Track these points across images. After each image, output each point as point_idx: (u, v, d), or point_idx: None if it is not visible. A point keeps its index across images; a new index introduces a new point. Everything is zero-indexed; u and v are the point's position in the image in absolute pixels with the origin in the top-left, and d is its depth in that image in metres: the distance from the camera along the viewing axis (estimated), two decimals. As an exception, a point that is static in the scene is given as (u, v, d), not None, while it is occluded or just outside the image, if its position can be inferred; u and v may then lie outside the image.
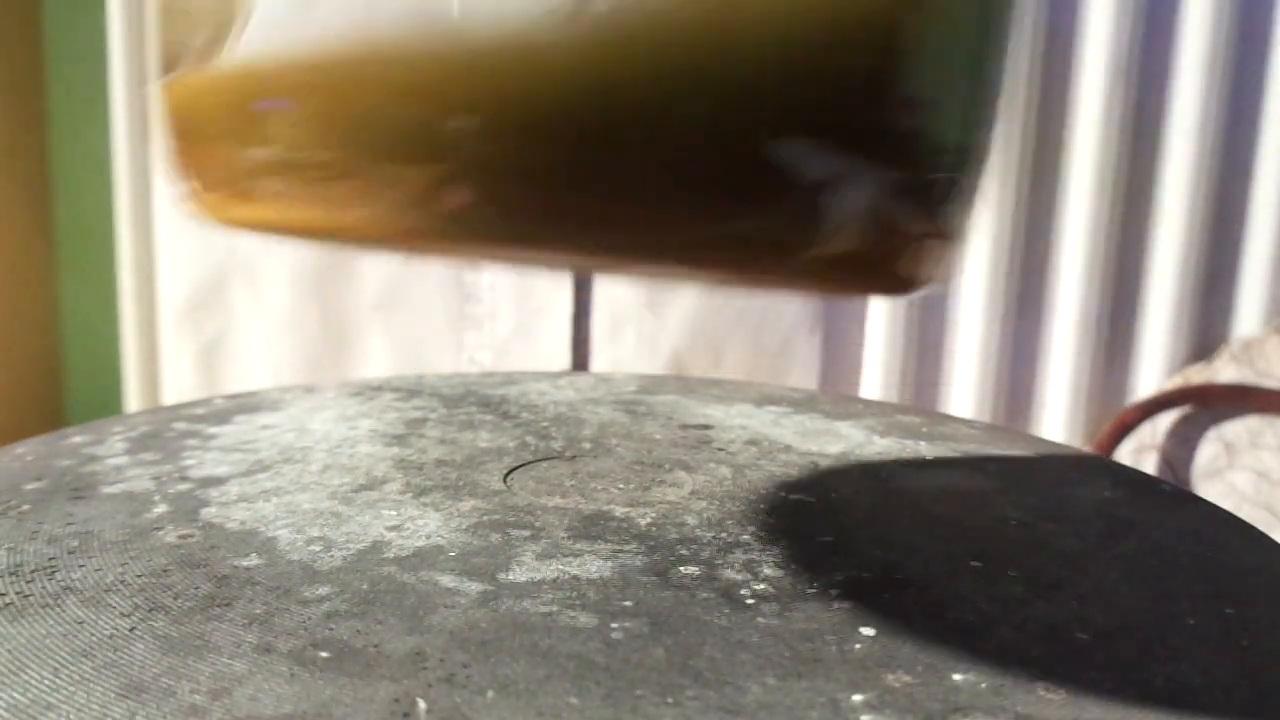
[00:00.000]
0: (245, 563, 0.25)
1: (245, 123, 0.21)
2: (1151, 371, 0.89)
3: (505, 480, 0.32)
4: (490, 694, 0.19)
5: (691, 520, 0.29)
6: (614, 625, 0.22)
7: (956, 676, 0.21)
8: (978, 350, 0.89)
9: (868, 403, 0.45)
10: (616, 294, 0.86)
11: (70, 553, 0.25)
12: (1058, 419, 0.89)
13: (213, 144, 0.22)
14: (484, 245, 0.22)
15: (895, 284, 0.23)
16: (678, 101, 0.19)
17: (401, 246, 0.23)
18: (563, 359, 0.87)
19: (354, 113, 0.20)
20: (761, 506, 0.31)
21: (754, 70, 0.19)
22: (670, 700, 0.19)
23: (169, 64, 0.24)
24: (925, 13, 0.20)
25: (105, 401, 1.11)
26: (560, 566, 0.25)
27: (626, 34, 0.19)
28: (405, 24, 0.19)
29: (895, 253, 0.22)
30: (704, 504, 0.31)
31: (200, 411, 0.40)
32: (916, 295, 0.23)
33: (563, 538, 0.27)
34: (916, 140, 0.21)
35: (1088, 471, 0.36)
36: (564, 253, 0.22)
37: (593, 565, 0.26)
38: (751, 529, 0.29)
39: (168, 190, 1.00)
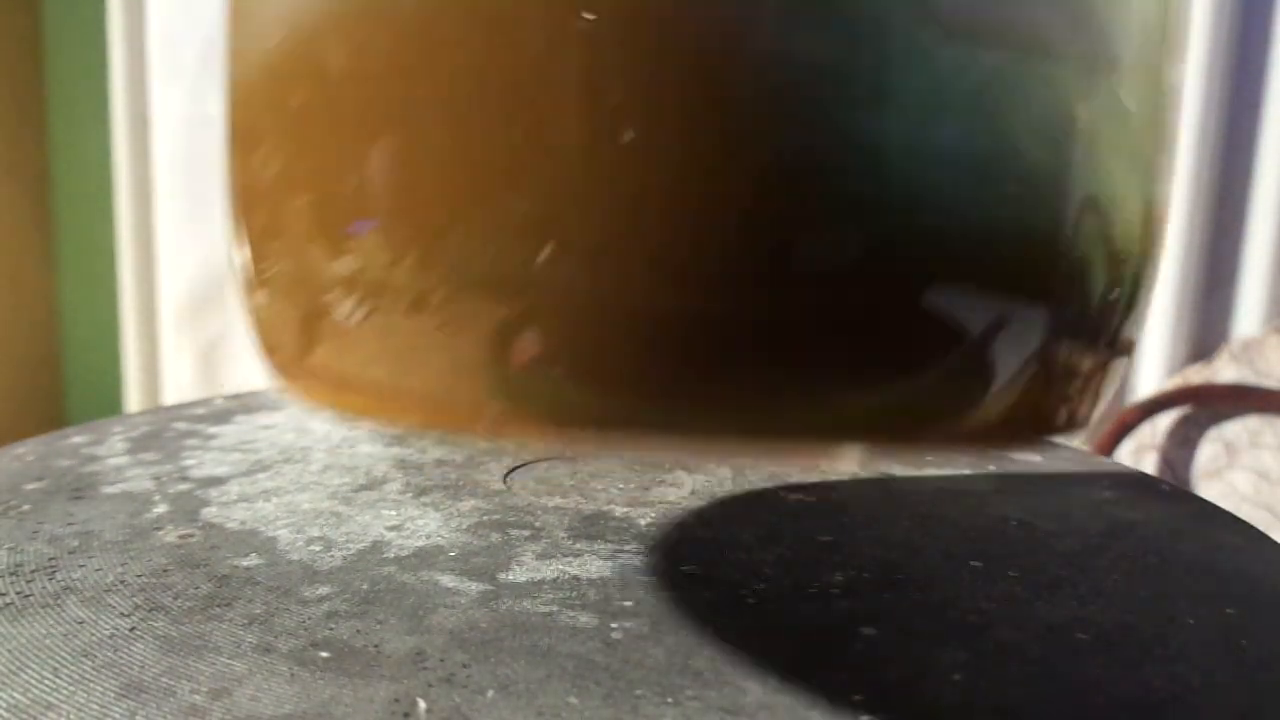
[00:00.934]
0: (245, 563, 0.25)
1: (332, 235, 0.18)
2: (1151, 371, 0.89)
3: (505, 480, 0.32)
4: (490, 694, 0.19)
5: (691, 520, 0.29)
6: (614, 625, 0.22)
7: (956, 677, 0.21)
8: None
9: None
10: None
11: (70, 553, 0.25)
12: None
13: (293, 246, 0.19)
14: (561, 428, 0.18)
15: (1069, 426, 0.19)
16: (801, 232, 0.16)
17: (471, 425, 0.19)
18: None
19: (440, 239, 0.17)
20: (761, 506, 0.31)
21: (903, 197, 0.15)
22: (670, 700, 0.19)
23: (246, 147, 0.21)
24: (1104, 103, 0.17)
25: (105, 401, 1.11)
26: (560, 566, 0.25)
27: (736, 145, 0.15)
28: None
29: (1071, 395, 0.18)
30: (704, 504, 0.31)
31: (200, 411, 0.40)
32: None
33: (563, 538, 0.27)
34: (1095, 260, 0.17)
35: (1088, 471, 0.36)
36: (660, 436, 0.18)
37: (593, 565, 0.26)
38: (751, 529, 0.29)
39: (167, 190, 1.00)
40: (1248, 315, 0.89)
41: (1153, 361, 0.89)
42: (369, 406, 0.20)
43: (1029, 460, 0.37)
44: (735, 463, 0.35)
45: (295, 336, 0.20)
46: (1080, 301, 0.18)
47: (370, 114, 0.18)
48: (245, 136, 0.20)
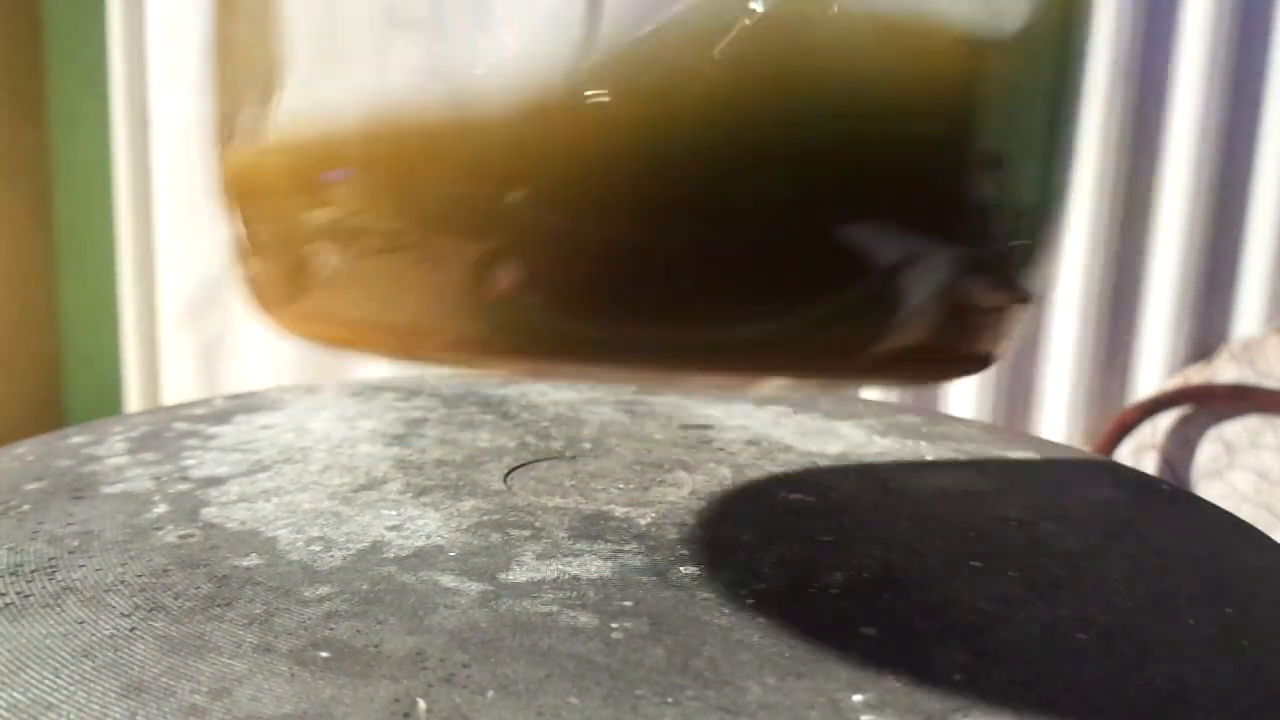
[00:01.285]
0: (245, 563, 0.25)
1: (306, 188, 0.20)
2: (1151, 372, 0.89)
3: (505, 480, 0.32)
4: (490, 694, 0.19)
5: (691, 520, 0.29)
6: (614, 625, 0.22)
7: (956, 676, 0.21)
8: (978, 350, 0.89)
9: (868, 403, 0.45)
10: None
11: (70, 553, 0.25)
12: (1058, 419, 0.89)
13: (273, 207, 0.21)
14: (533, 355, 0.20)
15: (972, 364, 0.21)
16: (734, 176, 0.18)
17: (453, 355, 0.21)
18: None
19: (410, 184, 0.19)
20: (761, 506, 0.31)
21: (819, 140, 0.18)
22: (670, 700, 0.19)
23: (225, 136, 0.23)
24: (1000, 67, 0.19)
25: (105, 401, 1.11)
26: (560, 566, 0.25)
27: (678, 102, 0.17)
28: (441, 92, 0.18)
29: (973, 332, 0.21)
30: (704, 504, 0.31)
31: (200, 411, 0.40)
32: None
33: (563, 538, 0.27)
34: (995, 209, 0.19)
35: (1088, 471, 0.36)
36: (616, 361, 0.20)
37: (593, 565, 0.26)
38: (751, 529, 0.29)
39: (167, 190, 1.00)
40: (1248, 315, 0.89)
41: (1153, 361, 0.89)
42: (349, 339, 0.21)
43: (1029, 460, 0.37)
44: (733, 463, 0.35)
45: (285, 289, 0.21)
46: (979, 246, 0.20)
47: (339, 68, 0.19)
48: (226, 110, 0.22)
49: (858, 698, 0.20)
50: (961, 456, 0.37)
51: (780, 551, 0.27)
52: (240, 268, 0.23)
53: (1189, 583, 0.26)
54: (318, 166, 0.19)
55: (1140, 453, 0.88)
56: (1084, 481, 0.35)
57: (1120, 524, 0.30)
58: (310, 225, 0.20)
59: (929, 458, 0.36)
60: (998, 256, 0.20)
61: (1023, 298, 0.21)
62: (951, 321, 0.20)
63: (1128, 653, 0.22)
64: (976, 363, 0.21)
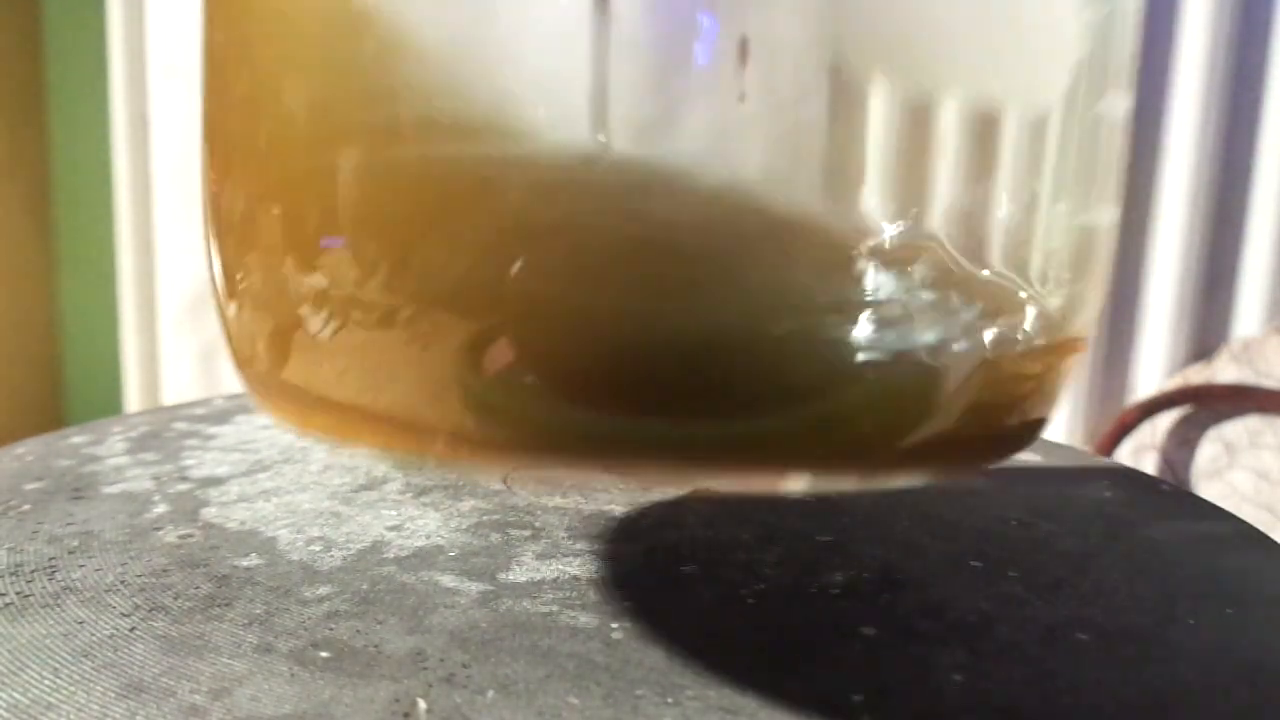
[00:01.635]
0: (245, 563, 0.25)
1: (301, 250, 0.18)
2: (1151, 372, 0.89)
3: (505, 480, 0.32)
4: (490, 694, 0.19)
5: (691, 520, 0.29)
6: (614, 625, 0.22)
7: (956, 676, 0.21)
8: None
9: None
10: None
11: (70, 553, 0.25)
12: (1058, 419, 0.89)
13: (263, 259, 0.19)
14: (528, 449, 0.18)
15: (1024, 435, 0.19)
16: (720, 261, 0.16)
17: (443, 450, 0.18)
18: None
19: (408, 256, 0.17)
20: (762, 506, 0.31)
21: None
22: (670, 700, 0.19)
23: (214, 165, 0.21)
24: (1029, 140, 0.18)
25: (105, 401, 1.11)
26: (560, 566, 0.25)
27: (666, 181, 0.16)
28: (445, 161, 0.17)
29: (1019, 401, 0.18)
30: (704, 504, 0.31)
31: (200, 411, 0.40)
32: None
33: (563, 538, 0.27)
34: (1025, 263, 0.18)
35: (1088, 471, 0.36)
36: (618, 459, 0.18)
37: (593, 565, 0.26)
38: (751, 529, 0.29)
39: (167, 190, 1.00)
40: (1248, 315, 0.89)
41: (1153, 361, 0.89)
42: (333, 426, 0.19)
43: (1029, 460, 0.37)
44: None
45: (267, 349, 0.19)
46: (1018, 315, 0.18)
47: (335, 136, 0.18)
48: (217, 152, 0.20)
49: (858, 698, 0.20)
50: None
51: (780, 551, 0.27)
52: (220, 312, 0.21)
53: (1189, 583, 0.26)
54: (316, 230, 0.18)
55: (1140, 453, 0.88)
56: (1084, 481, 0.35)
57: (1120, 524, 0.30)
58: (302, 288, 0.18)
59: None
60: (1038, 322, 0.18)
61: (1072, 348, 0.19)
62: (992, 395, 0.18)
63: (1128, 653, 0.22)
64: (1029, 432, 0.19)
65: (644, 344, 0.17)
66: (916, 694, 0.20)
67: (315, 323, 0.18)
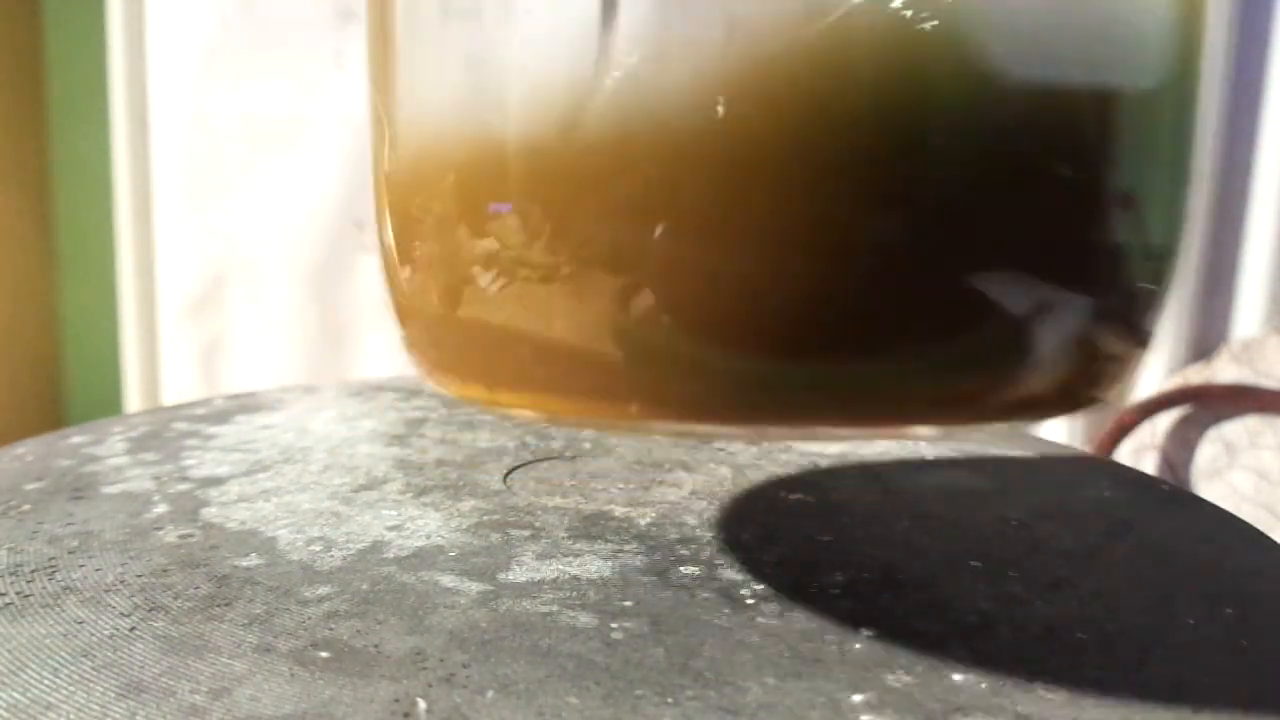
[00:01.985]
0: (245, 563, 0.25)
1: (472, 217, 0.20)
2: (1151, 372, 0.89)
3: (505, 480, 0.32)
4: (490, 694, 0.19)
5: (691, 520, 0.29)
6: (614, 625, 0.22)
7: (956, 676, 0.21)
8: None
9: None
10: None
11: (70, 552, 0.25)
12: (1058, 419, 0.89)
13: (442, 232, 0.21)
14: (672, 403, 0.20)
15: (1088, 404, 0.21)
16: (857, 213, 0.18)
17: (592, 407, 0.20)
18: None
19: (566, 220, 0.19)
20: (761, 506, 0.31)
21: (946, 180, 0.18)
22: (670, 700, 0.19)
23: (383, 137, 0.23)
24: (1135, 106, 0.19)
25: (105, 401, 1.11)
26: (560, 566, 0.25)
27: (806, 130, 0.17)
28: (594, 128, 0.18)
29: (1096, 379, 0.20)
30: (704, 504, 0.31)
31: (200, 411, 0.40)
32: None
33: (563, 538, 0.27)
34: (1126, 253, 0.19)
35: (1088, 471, 0.36)
36: (747, 413, 0.19)
37: (593, 565, 0.26)
38: (751, 529, 0.29)
39: (167, 190, 1.00)
40: (1248, 315, 0.89)
41: (1152, 361, 0.89)
42: (490, 385, 0.22)
43: (1029, 460, 0.37)
44: (733, 463, 0.35)
45: (440, 301, 0.22)
46: (1115, 290, 0.20)
47: (504, 120, 0.20)
48: (389, 134, 0.22)
49: (858, 698, 0.20)
50: (961, 456, 0.37)
51: (780, 551, 0.27)
52: (390, 281, 0.24)
53: (1189, 583, 0.26)
54: (485, 197, 0.20)
55: (1140, 453, 0.88)
56: (1084, 481, 0.35)
57: (1120, 524, 0.30)
58: (476, 252, 0.20)
59: (929, 457, 0.36)
60: (1127, 302, 0.20)
61: (1144, 342, 0.21)
62: (1078, 369, 0.20)
63: (1128, 653, 0.22)
64: (1092, 404, 0.21)
65: (771, 296, 0.18)
66: (917, 694, 0.20)
67: (484, 279, 0.20)
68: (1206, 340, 0.89)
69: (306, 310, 0.98)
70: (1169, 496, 0.33)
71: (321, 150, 0.96)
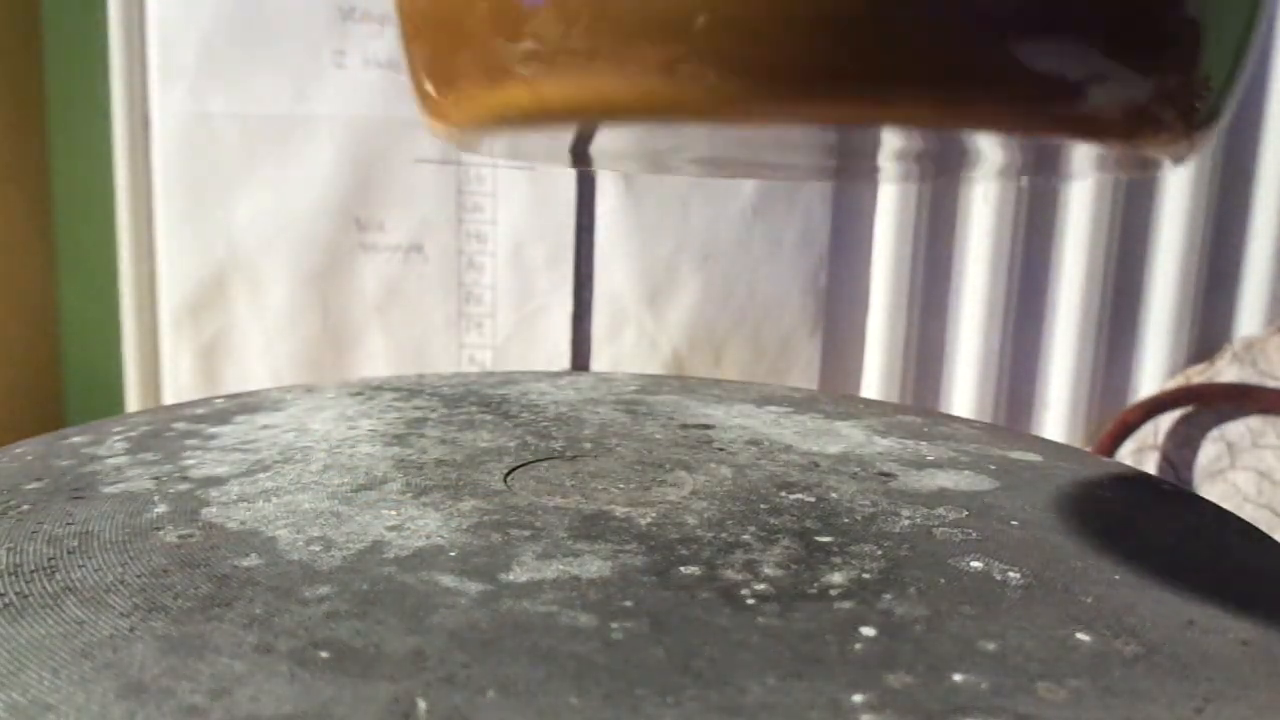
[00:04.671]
0: (245, 563, 0.25)
1: (509, 14, 0.20)
2: (1153, 371, 0.89)
3: (505, 480, 0.32)
4: (490, 694, 0.19)
5: (691, 520, 0.29)
6: (614, 625, 0.22)
7: (956, 676, 0.21)
8: (978, 350, 0.89)
9: (868, 403, 0.45)
10: (616, 294, 0.86)
11: (70, 553, 0.25)
12: (1058, 419, 0.89)
13: (470, 35, 0.21)
14: (741, 100, 0.19)
15: (1149, 138, 0.21)
16: None
17: (657, 111, 0.20)
18: (563, 359, 0.87)
19: (606, 6, 0.19)
20: (761, 506, 0.31)
21: None
22: (670, 700, 0.19)
23: None
24: None
25: (105, 401, 1.11)
26: (560, 566, 0.25)
27: None
28: None
29: (1175, 126, 0.21)
30: (704, 504, 0.31)
31: (200, 411, 0.40)
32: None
33: (563, 538, 0.27)
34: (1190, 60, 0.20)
35: (1088, 471, 0.36)
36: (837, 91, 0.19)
37: (593, 565, 0.26)
38: (751, 529, 0.29)
39: (167, 190, 1.00)
40: (1250, 315, 0.89)
41: (1154, 361, 0.89)
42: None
43: (1030, 461, 0.37)
44: (733, 463, 0.35)
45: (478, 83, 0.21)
46: (1173, 81, 0.20)
47: None
48: None
49: (858, 698, 0.20)
50: (962, 456, 0.37)
51: (780, 551, 0.27)
52: (422, 85, 0.23)
53: (1193, 584, 0.26)
54: None
55: (1142, 453, 0.88)
56: (1085, 481, 0.35)
57: (1121, 524, 0.30)
58: (510, 52, 0.20)
59: (929, 458, 0.36)
60: (1194, 86, 0.21)
61: (1201, 133, 0.21)
62: (1135, 110, 0.20)
63: (1130, 653, 0.22)
64: (1149, 139, 0.21)
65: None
66: (917, 694, 0.20)
67: (527, 69, 0.20)
68: (1208, 340, 0.89)
69: (307, 310, 0.98)
70: (1170, 496, 0.33)
71: (321, 150, 0.96)
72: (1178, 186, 0.86)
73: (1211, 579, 0.26)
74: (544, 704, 0.19)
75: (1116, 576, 0.26)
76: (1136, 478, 0.36)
